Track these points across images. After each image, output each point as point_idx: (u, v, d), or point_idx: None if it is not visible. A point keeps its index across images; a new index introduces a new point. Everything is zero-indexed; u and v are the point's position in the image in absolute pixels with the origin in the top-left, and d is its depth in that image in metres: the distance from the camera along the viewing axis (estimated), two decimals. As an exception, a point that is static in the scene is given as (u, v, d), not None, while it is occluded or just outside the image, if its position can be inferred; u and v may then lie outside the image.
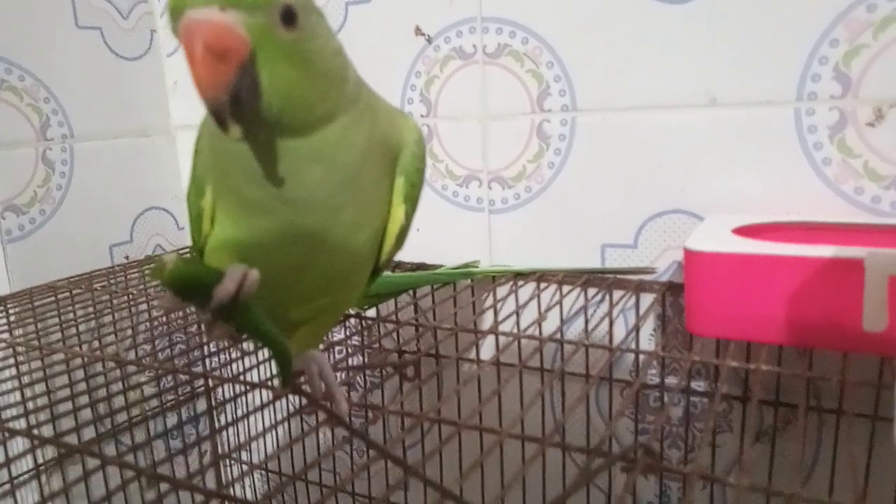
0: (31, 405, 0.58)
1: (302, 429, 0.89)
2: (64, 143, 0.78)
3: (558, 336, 0.55)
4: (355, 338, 0.75)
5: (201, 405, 0.91)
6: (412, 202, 0.43)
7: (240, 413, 0.91)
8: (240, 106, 0.32)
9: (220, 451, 0.96)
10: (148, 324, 0.72)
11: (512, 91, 0.69)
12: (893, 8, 0.54)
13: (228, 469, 0.97)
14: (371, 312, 0.72)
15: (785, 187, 0.60)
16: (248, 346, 0.67)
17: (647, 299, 0.65)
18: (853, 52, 0.56)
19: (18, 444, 0.46)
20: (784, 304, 0.48)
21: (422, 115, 0.74)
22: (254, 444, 0.95)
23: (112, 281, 0.77)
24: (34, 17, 0.75)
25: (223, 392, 0.92)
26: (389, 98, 0.42)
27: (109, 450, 0.77)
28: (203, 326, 0.39)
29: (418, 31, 0.73)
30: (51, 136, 0.77)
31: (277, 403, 0.82)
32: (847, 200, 0.58)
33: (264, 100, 0.32)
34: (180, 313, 0.74)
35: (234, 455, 0.96)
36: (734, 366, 0.47)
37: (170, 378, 0.82)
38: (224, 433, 0.96)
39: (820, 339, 0.48)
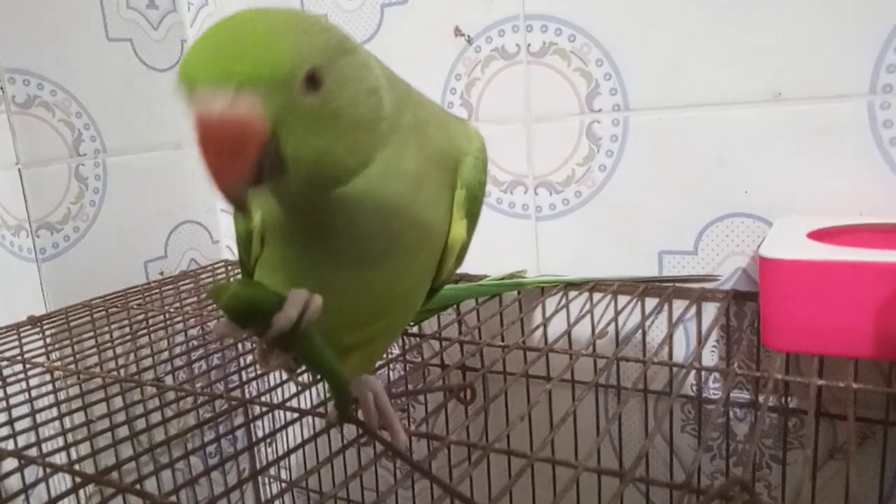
0: (67, 423, 0.56)
1: (342, 442, 0.86)
2: (97, 158, 0.77)
3: (616, 353, 0.51)
4: (399, 362, 0.72)
5: (238, 418, 0.89)
6: (473, 217, 0.40)
7: (277, 425, 0.88)
8: (261, 185, 0.29)
9: (257, 465, 0.94)
10: (185, 346, 0.70)
11: (559, 91, 0.66)
12: (980, -10, 0.50)
13: (267, 486, 0.95)
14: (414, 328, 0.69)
15: (858, 186, 0.56)
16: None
17: (710, 309, 0.62)
18: (934, 39, 0.52)
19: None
20: (869, 314, 0.44)
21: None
22: (292, 458, 0.93)
23: (147, 298, 0.75)
24: (64, 32, 0.73)
25: (265, 420, 0.90)
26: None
27: (148, 468, 0.75)
28: (258, 356, 0.36)
29: (458, 32, 0.70)
30: (83, 151, 0.75)
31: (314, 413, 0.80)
32: (928, 199, 0.54)
33: (289, 172, 0.29)
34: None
35: (272, 469, 0.93)
36: (823, 384, 0.43)
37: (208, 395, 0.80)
38: (261, 446, 0.94)
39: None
